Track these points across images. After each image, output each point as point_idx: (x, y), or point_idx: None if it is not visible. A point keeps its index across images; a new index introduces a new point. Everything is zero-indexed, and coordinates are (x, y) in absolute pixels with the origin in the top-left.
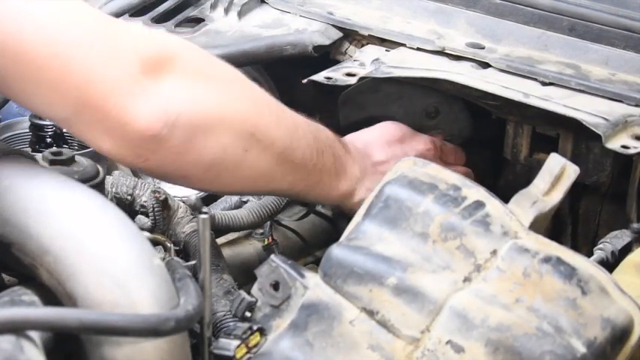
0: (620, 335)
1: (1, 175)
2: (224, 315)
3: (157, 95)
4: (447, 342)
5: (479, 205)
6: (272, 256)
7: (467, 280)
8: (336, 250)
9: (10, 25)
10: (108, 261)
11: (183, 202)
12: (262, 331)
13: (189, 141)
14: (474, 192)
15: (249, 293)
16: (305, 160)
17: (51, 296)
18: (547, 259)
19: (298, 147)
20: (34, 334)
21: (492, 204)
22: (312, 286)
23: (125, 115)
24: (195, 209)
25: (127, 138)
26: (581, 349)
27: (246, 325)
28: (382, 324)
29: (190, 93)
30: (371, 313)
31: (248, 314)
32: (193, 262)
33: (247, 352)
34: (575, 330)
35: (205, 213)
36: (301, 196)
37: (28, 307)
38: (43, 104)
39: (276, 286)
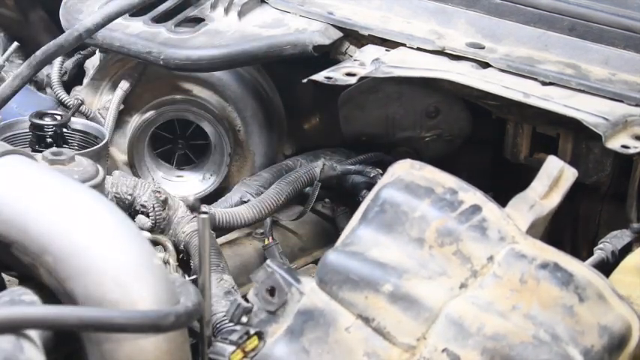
0: (618, 343)
1: (1, 175)
2: (224, 315)
3: None
4: (443, 350)
5: (476, 209)
6: (268, 261)
7: (463, 286)
8: (331, 256)
9: None
10: (107, 261)
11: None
12: (260, 335)
13: None
14: (471, 196)
15: (245, 298)
16: None
17: (51, 296)
18: (544, 265)
19: None
20: (34, 334)
21: (489, 208)
22: (308, 291)
23: None
24: (193, 210)
25: None
26: (578, 357)
27: (243, 329)
28: (378, 331)
29: None
30: (367, 320)
31: (244, 320)
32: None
33: (244, 357)
34: (572, 338)
35: (205, 213)
36: None
37: (27, 306)
38: None
39: (272, 291)
